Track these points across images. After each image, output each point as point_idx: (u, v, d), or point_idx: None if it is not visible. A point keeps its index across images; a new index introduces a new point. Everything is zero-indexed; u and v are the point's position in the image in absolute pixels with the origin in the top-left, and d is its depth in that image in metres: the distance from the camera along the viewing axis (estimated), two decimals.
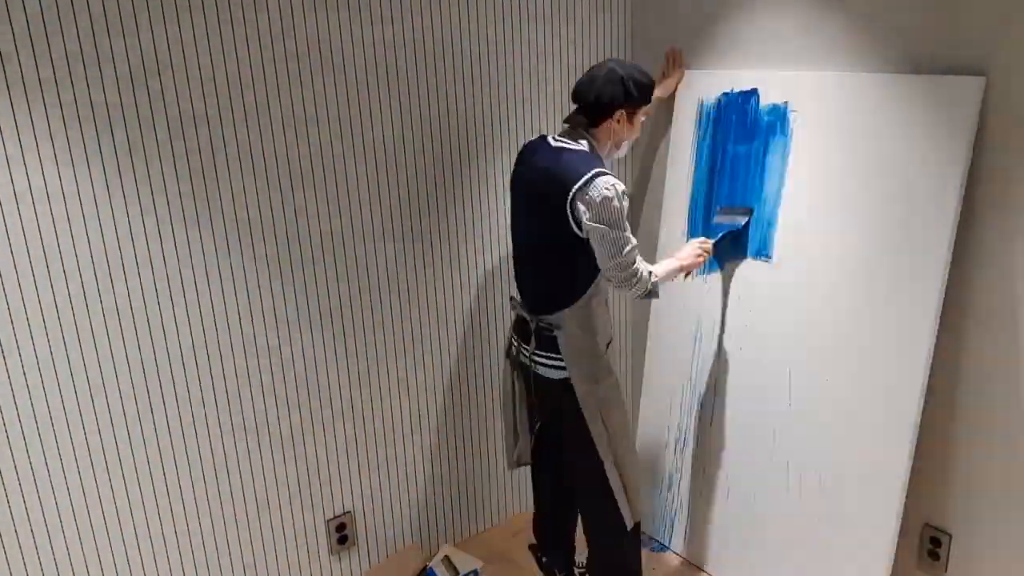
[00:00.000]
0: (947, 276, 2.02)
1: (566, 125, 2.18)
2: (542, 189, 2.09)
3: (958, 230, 2.01)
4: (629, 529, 2.21)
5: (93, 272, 2.00)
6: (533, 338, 2.19)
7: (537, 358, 2.21)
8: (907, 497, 2.12)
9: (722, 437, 2.59)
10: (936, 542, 2.28)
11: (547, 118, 2.75)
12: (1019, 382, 2.04)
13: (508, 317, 2.81)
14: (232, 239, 2.19)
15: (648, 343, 2.86)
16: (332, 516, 2.57)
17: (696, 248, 2.31)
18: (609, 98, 2.08)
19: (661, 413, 2.80)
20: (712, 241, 2.37)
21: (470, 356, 2.76)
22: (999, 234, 2.01)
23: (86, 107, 1.91)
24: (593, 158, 2.08)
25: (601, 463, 2.15)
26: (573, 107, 2.18)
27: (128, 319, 2.07)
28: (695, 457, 2.68)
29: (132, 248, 2.04)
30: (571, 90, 2.16)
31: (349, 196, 2.37)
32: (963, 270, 2.08)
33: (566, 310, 2.13)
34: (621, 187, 2.01)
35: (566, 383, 2.17)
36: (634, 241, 2.04)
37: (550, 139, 2.16)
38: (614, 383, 2.20)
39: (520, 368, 2.31)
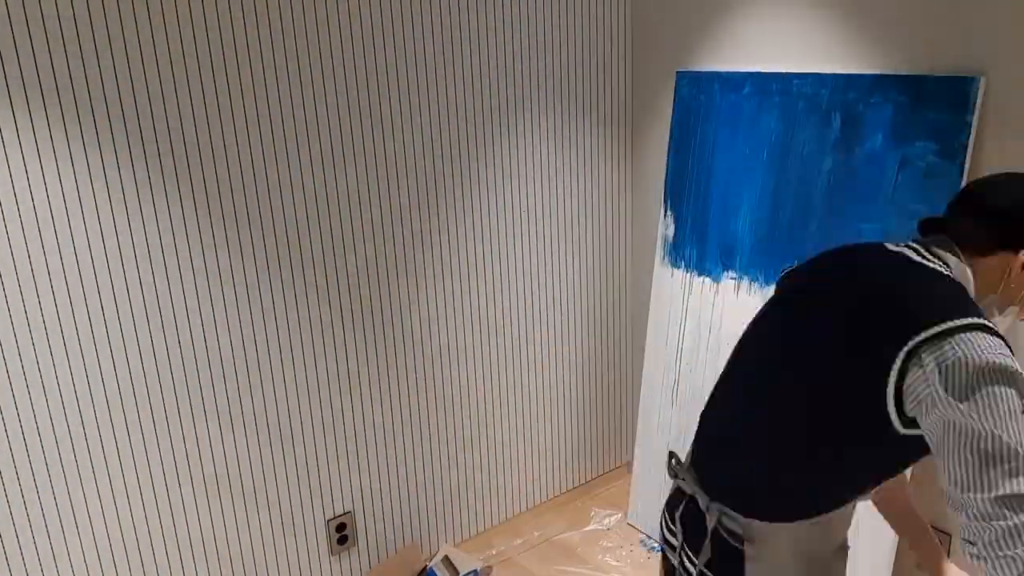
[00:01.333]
0: None
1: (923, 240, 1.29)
2: (851, 305, 1.20)
3: None
4: None
5: (93, 272, 2.00)
6: (708, 545, 1.29)
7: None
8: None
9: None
10: None
11: (546, 117, 2.75)
12: None
13: (508, 314, 2.81)
14: (232, 239, 2.19)
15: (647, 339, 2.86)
16: (332, 516, 2.57)
17: None
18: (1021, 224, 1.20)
19: (660, 409, 2.80)
20: None
21: (470, 356, 2.76)
22: None
23: (86, 107, 1.91)
24: (965, 293, 1.17)
25: None
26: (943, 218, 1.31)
27: (128, 319, 2.07)
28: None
29: (132, 248, 2.04)
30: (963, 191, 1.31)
31: (349, 196, 2.37)
32: None
33: (782, 524, 1.24)
34: (1015, 364, 1.06)
35: None
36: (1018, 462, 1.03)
37: (892, 245, 1.27)
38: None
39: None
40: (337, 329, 2.44)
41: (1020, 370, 1.06)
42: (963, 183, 1.98)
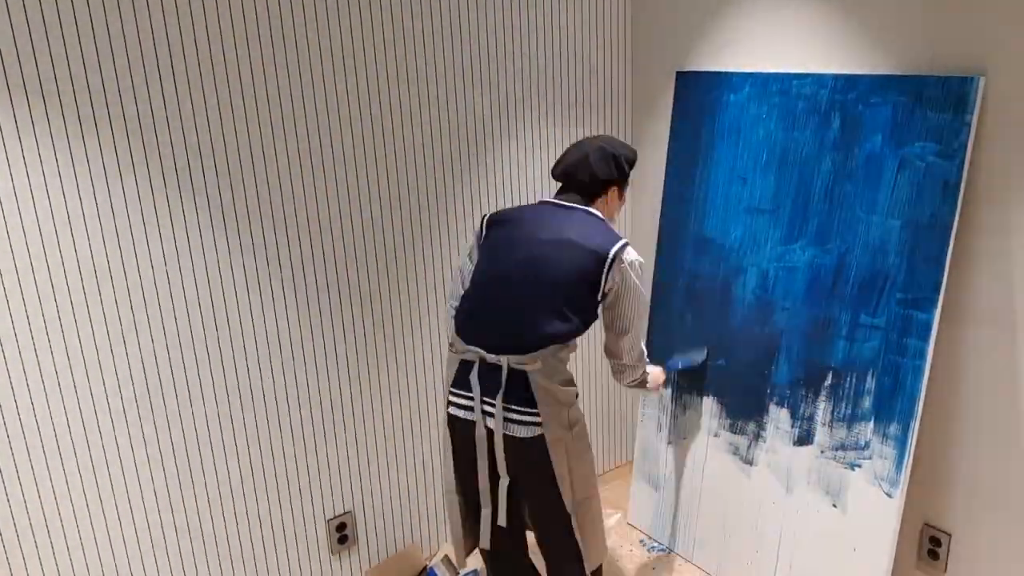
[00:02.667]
0: (947, 276, 2.02)
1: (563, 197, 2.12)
2: (567, 236, 1.98)
3: (958, 229, 2.01)
4: (590, 572, 2.11)
5: (93, 271, 2.00)
6: (503, 387, 1.95)
7: (509, 415, 1.97)
8: (907, 497, 2.12)
9: (720, 439, 2.59)
10: (936, 542, 2.28)
11: (546, 117, 2.75)
12: (1019, 382, 2.04)
13: None
14: (231, 237, 2.20)
15: None
16: (332, 516, 2.57)
17: (658, 376, 2.39)
18: (605, 175, 2.08)
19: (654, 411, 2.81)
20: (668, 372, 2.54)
21: None
22: (999, 233, 2.01)
23: (86, 107, 1.91)
24: (609, 225, 2.07)
25: (567, 511, 2.02)
26: (555, 185, 2.17)
27: (128, 318, 2.07)
28: (689, 457, 2.69)
29: (132, 247, 2.04)
30: (556, 172, 2.11)
31: (349, 197, 2.37)
32: (963, 270, 2.08)
33: (550, 347, 1.96)
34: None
35: (536, 438, 1.97)
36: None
37: (558, 200, 2.11)
38: (584, 426, 2.09)
39: (470, 433, 2.04)
40: (337, 328, 2.44)
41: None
42: (963, 183, 1.98)
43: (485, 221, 2.13)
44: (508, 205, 2.74)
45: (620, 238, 2.00)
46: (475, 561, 2.73)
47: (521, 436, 1.97)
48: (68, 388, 2.02)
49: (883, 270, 2.14)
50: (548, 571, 2.16)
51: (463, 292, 2.13)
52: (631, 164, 2.14)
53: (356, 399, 2.53)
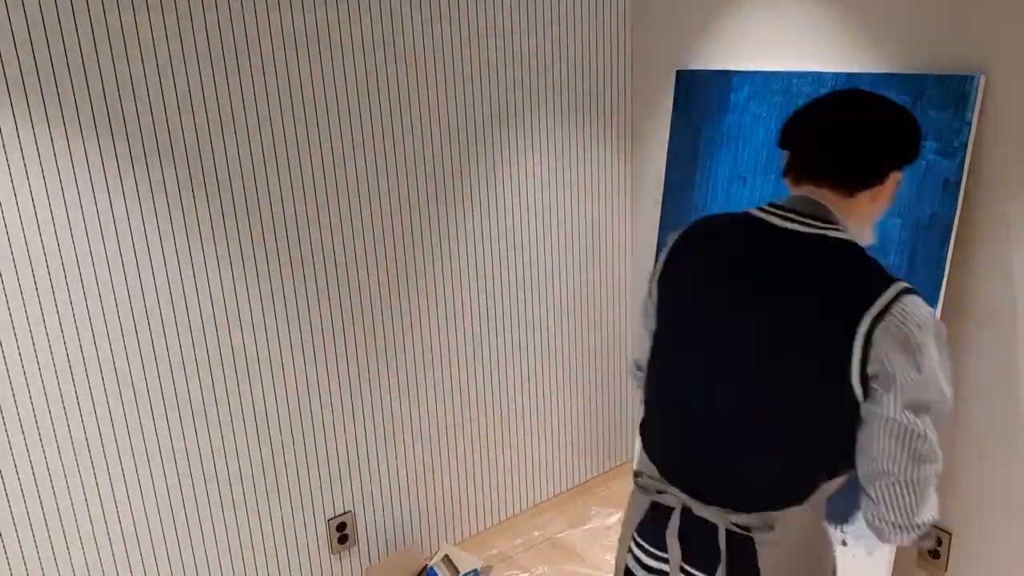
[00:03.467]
0: (947, 275, 2.02)
1: (795, 197, 1.28)
2: (793, 309, 1.17)
3: (958, 229, 2.01)
4: None
5: (93, 271, 2.00)
6: (723, 562, 1.22)
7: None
8: None
9: None
10: (936, 541, 2.28)
11: (546, 117, 2.75)
12: (1019, 382, 2.03)
13: (508, 314, 2.81)
14: (231, 238, 2.19)
15: None
16: (332, 516, 2.57)
17: None
18: (887, 156, 1.25)
19: None
20: None
21: (471, 356, 2.76)
22: (999, 233, 2.01)
23: (86, 109, 1.91)
24: (873, 258, 1.20)
25: None
26: (786, 162, 1.31)
27: (128, 320, 2.07)
28: None
29: (132, 248, 2.04)
30: (792, 134, 1.29)
31: (349, 197, 2.37)
32: (963, 269, 2.08)
33: (794, 508, 1.21)
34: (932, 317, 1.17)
35: None
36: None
37: (775, 218, 1.25)
38: None
39: None
40: (337, 329, 2.44)
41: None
42: (963, 182, 1.98)
43: (674, 244, 1.36)
44: (507, 205, 2.73)
45: (893, 279, 1.15)
46: (476, 561, 2.73)
47: None
48: (68, 389, 2.02)
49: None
50: None
51: (646, 368, 1.38)
52: (919, 134, 1.28)
53: (356, 399, 2.53)
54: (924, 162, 2.04)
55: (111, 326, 2.05)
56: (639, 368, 1.45)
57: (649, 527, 1.32)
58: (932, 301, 2.03)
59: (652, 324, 1.37)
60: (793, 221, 1.23)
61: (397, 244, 2.50)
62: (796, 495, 1.21)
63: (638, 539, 1.34)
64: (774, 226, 1.23)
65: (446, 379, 2.73)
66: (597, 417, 3.20)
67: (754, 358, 1.19)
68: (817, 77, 2.27)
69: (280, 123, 2.21)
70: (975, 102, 1.94)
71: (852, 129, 1.23)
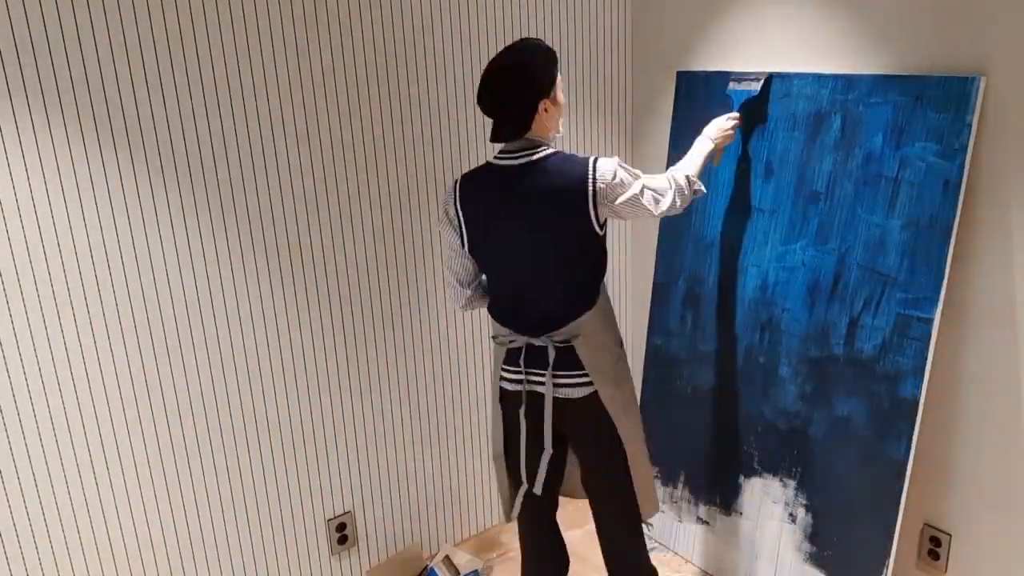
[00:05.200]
0: (948, 275, 2.02)
1: (505, 143, 1.95)
2: (541, 206, 1.91)
3: (958, 229, 2.01)
4: (643, 522, 2.18)
5: (93, 272, 2.00)
6: (550, 364, 1.98)
7: (559, 380, 2.01)
8: (907, 497, 2.12)
9: (723, 440, 2.59)
10: (936, 542, 2.28)
11: None
12: (1019, 382, 2.04)
13: None
14: (231, 238, 2.19)
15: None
16: (332, 516, 2.57)
17: (724, 122, 2.27)
18: (529, 97, 1.88)
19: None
20: (736, 111, 2.29)
21: (471, 355, 2.76)
22: (1000, 233, 2.01)
23: (86, 108, 1.91)
24: (563, 152, 1.95)
25: (626, 460, 2.06)
26: (487, 122, 1.95)
27: (128, 320, 2.07)
28: (690, 457, 2.68)
29: (132, 248, 2.04)
30: (485, 110, 1.91)
31: (349, 196, 2.37)
32: (963, 269, 2.08)
33: (586, 314, 1.96)
34: (615, 159, 1.92)
35: (588, 397, 2.01)
36: (644, 177, 1.96)
37: (502, 160, 1.95)
38: (632, 387, 2.10)
39: (529, 402, 2.06)
40: (337, 329, 2.44)
41: (614, 157, 1.93)
42: (963, 183, 1.98)
43: (456, 197, 2.00)
44: None
45: (585, 161, 1.88)
46: (476, 561, 2.73)
47: (574, 397, 2.01)
48: (68, 389, 2.02)
49: (884, 270, 2.14)
50: (600, 528, 2.18)
51: (482, 280, 2.12)
52: (549, 63, 1.91)
53: (356, 399, 2.53)
54: (924, 164, 2.04)
55: (111, 326, 2.05)
56: (459, 283, 2.11)
57: (508, 360, 2.05)
58: (932, 301, 2.04)
59: (456, 246, 2.04)
60: (514, 158, 1.92)
61: (398, 244, 2.50)
62: (585, 304, 1.97)
63: (504, 369, 2.07)
64: (505, 166, 1.93)
65: (446, 379, 2.73)
66: None
67: (534, 244, 1.93)
68: (817, 78, 2.27)
69: (280, 122, 2.21)
70: (975, 104, 1.95)
71: (501, 96, 1.88)
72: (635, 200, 1.91)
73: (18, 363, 1.94)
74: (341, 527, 2.59)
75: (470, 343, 2.75)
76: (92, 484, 2.11)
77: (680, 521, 2.77)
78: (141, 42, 1.96)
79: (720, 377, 2.59)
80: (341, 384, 2.49)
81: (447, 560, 2.72)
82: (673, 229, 2.73)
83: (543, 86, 1.90)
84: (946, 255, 2.01)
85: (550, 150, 1.93)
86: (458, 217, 2.00)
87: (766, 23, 2.44)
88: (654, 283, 2.79)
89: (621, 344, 2.09)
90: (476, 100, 1.91)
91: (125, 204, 2.01)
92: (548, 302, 1.99)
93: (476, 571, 2.70)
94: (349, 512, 2.60)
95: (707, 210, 2.61)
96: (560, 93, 1.97)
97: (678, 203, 2.00)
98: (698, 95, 2.62)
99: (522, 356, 2.02)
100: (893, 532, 2.13)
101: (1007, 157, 1.96)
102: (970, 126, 1.96)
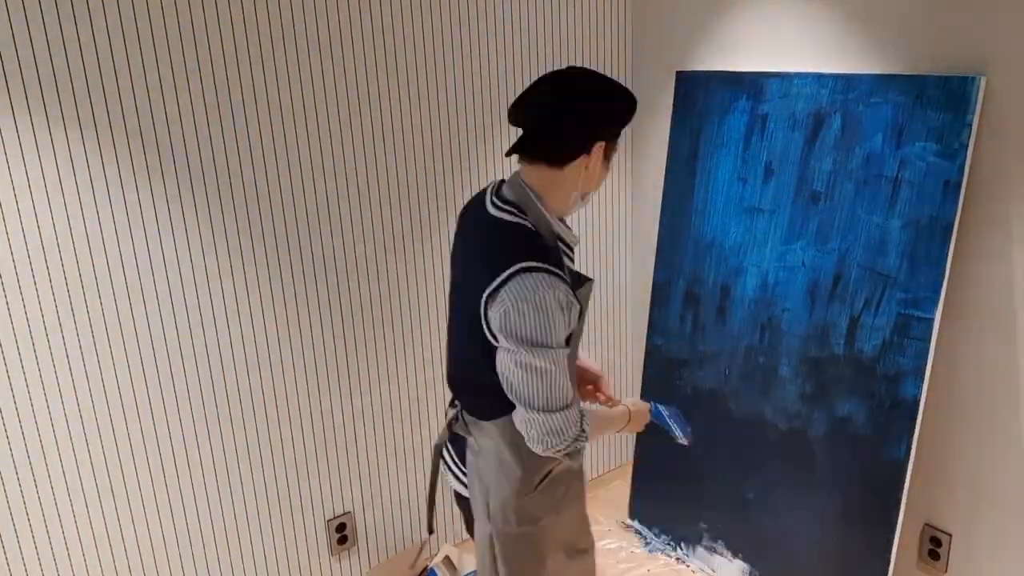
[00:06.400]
0: (948, 275, 2.02)
1: (506, 186, 1.57)
2: (467, 276, 1.56)
3: (958, 229, 2.01)
4: None
5: (93, 272, 2.00)
6: (448, 442, 1.74)
7: (452, 468, 1.75)
8: (907, 497, 2.12)
9: (726, 440, 2.59)
10: (936, 542, 2.28)
11: None
12: (1019, 382, 2.04)
13: None
14: (231, 239, 2.19)
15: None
16: (332, 516, 2.57)
17: (642, 416, 1.77)
18: (581, 131, 1.44)
19: None
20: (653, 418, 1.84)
21: None
22: (1000, 233, 2.01)
23: (86, 107, 1.91)
24: (528, 240, 1.47)
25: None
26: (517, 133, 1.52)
27: (128, 320, 2.07)
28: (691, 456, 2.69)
29: (132, 249, 2.04)
30: (512, 111, 1.49)
31: (349, 196, 2.37)
32: (963, 269, 2.08)
33: (485, 423, 1.59)
34: (561, 290, 1.40)
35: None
36: (565, 384, 1.44)
37: (489, 203, 1.55)
38: (555, 531, 1.62)
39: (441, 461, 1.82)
40: (337, 329, 2.44)
41: (563, 287, 1.40)
42: (963, 183, 1.98)
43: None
44: None
45: (521, 259, 1.42)
46: (476, 561, 2.73)
47: (465, 495, 1.73)
48: (68, 390, 2.02)
49: (884, 270, 2.14)
50: None
51: None
52: (621, 116, 1.49)
53: (356, 400, 2.53)
54: (924, 163, 2.04)
55: (110, 328, 2.05)
56: None
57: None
58: (932, 301, 2.04)
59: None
60: (497, 207, 1.52)
61: (398, 245, 2.50)
62: (484, 411, 1.58)
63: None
64: (486, 209, 1.54)
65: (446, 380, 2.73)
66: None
67: (456, 311, 1.62)
68: (817, 78, 2.27)
69: (280, 122, 2.21)
70: (976, 103, 1.95)
71: (551, 108, 1.43)
72: (505, 362, 1.43)
73: (18, 363, 1.94)
74: (341, 527, 2.59)
75: None
76: (92, 484, 2.10)
77: (679, 521, 2.77)
78: (141, 43, 1.95)
79: (720, 377, 2.59)
80: (341, 385, 2.49)
81: (447, 560, 2.72)
82: (673, 229, 2.73)
83: (602, 131, 1.47)
84: (946, 255, 2.01)
85: (523, 221, 1.49)
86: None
87: (766, 23, 2.44)
88: (654, 283, 2.79)
89: (535, 522, 1.60)
90: (513, 104, 1.47)
91: (125, 204, 2.01)
92: (463, 384, 1.69)
93: (476, 571, 2.70)
94: (349, 512, 2.60)
95: (707, 210, 2.61)
96: (609, 159, 1.53)
97: (535, 433, 1.45)
98: (698, 96, 2.62)
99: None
100: (893, 532, 2.13)
101: (1007, 157, 1.96)
102: (970, 126, 1.96)
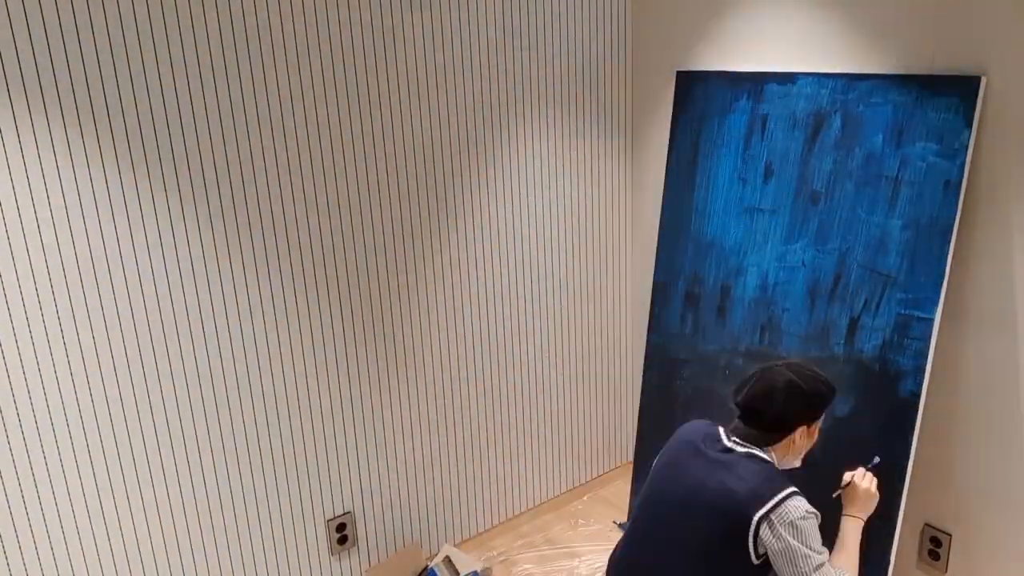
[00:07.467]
0: (948, 275, 2.02)
1: (739, 429, 1.86)
2: (711, 499, 1.75)
3: (958, 229, 2.01)
4: None
5: (93, 272, 2.00)
6: None
7: None
8: (907, 497, 2.12)
9: None
10: (936, 542, 2.28)
11: (546, 117, 2.75)
12: (1019, 382, 2.04)
13: (508, 314, 2.82)
14: (232, 240, 2.19)
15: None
16: (332, 516, 2.57)
17: (866, 485, 1.91)
18: (795, 417, 1.80)
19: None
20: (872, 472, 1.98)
21: (471, 356, 2.76)
22: (1000, 234, 2.01)
23: (86, 107, 1.91)
24: (777, 474, 1.78)
25: None
26: (737, 415, 1.86)
27: (128, 320, 2.07)
28: None
29: (132, 249, 2.04)
30: (738, 400, 1.84)
31: (350, 197, 2.37)
32: (964, 269, 2.08)
33: None
34: (810, 508, 1.73)
35: None
36: (823, 558, 1.71)
37: (724, 435, 1.84)
38: None
39: None
40: (337, 329, 2.44)
41: (810, 507, 1.71)
42: (963, 183, 1.98)
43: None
44: (508, 205, 2.73)
45: (784, 487, 1.70)
46: (475, 561, 2.73)
47: None
48: (68, 390, 2.02)
49: (884, 270, 2.14)
50: None
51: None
52: (826, 402, 1.85)
53: (356, 400, 2.53)
54: (924, 164, 2.04)
55: (111, 328, 2.05)
56: None
57: None
58: (932, 301, 2.04)
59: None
60: (734, 442, 1.82)
61: (397, 245, 2.50)
62: None
63: None
64: (721, 442, 1.83)
65: (446, 380, 2.73)
66: (597, 418, 3.20)
67: (686, 522, 1.78)
68: (817, 78, 2.27)
69: (280, 122, 2.21)
70: (976, 103, 1.95)
71: (762, 402, 1.80)
72: (792, 556, 1.68)
73: (17, 364, 1.94)
74: (341, 527, 2.59)
75: (471, 345, 2.75)
76: (91, 484, 2.11)
77: None
78: (141, 43, 1.95)
79: (720, 377, 2.58)
80: (341, 385, 2.49)
81: (447, 560, 2.72)
82: (673, 229, 2.73)
83: (806, 417, 1.83)
84: (946, 255, 2.01)
85: (758, 453, 1.79)
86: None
87: (766, 23, 2.44)
88: (654, 283, 2.79)
89: None
90: (735, 391, 1.85)
91: (125, 205, 2.01)
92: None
93: (476, 572, 2.70)
94: (349, 512, 2.60)
95: (707, 210, 2.61)
96: (816, 429, 1.87)
97: None
98: (698, 96, 2.62)
99: None
100: (893, 532, 2.13)
101: (1007, 157, 1.96)
102: (970, 126, 1.96)
